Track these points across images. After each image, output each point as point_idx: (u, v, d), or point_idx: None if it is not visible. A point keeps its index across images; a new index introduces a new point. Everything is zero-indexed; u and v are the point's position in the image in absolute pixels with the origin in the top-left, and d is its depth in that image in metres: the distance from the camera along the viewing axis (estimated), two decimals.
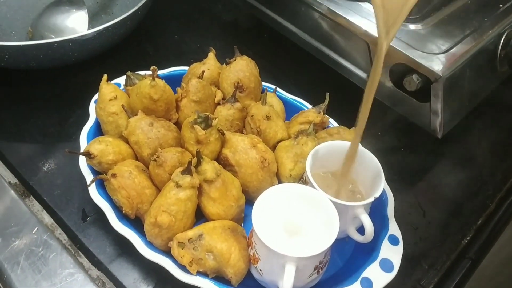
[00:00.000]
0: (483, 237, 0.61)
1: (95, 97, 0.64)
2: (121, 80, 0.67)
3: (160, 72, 0.68)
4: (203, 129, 0.54)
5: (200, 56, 0.70)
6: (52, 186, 0.61)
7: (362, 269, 0.51)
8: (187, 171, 0.50)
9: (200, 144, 0.55)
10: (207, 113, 0.55)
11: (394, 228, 0.55)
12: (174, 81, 0.66)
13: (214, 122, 0.55)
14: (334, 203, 0.50)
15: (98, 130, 0.62)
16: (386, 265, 0.52)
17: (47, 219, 0.58)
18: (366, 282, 0.50)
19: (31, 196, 0.60)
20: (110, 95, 0.59)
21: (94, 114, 0.62)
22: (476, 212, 0.63)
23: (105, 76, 0.60)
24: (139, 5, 0.71)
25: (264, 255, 0.48)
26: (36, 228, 0.56)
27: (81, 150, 0.57)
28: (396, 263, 0.52)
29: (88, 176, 0.56)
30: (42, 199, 0.59)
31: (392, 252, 0.53)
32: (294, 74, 0.80)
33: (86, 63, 0.72)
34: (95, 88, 0.62)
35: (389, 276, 0.51)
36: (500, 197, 0.65)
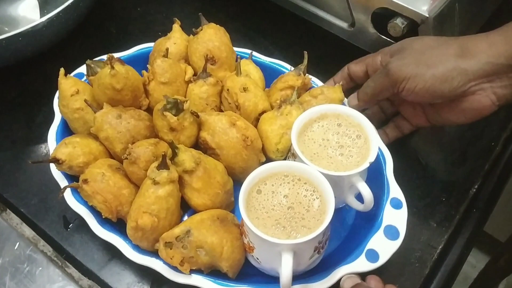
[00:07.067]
0: (492, 183, 0.57)
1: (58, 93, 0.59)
2: (84, 69, 0.61)
3: (123, 53, 0.62)
4: (175, 115, 0.50)
5: (168, 27, 0.64)
6: (28, 195, 0.57)
7: (366, 241, 0.48)
8: (162, 165, 0.46)
9: (175, 131, 0.51)
10: (176, 97, 0.50)
11: (395, 191, 0.51)
12: (141, 62, 0.61)
13: (185, 106, 0.50)
14: (326, 175, 0.46)
15: (66, 129, 0.57)
16: (391, 232, 0.48)
17: (28, 232, 0.55)
18: (371, 255, 0.47)
19: (8, 210, 0.56)
20: (71, 90, 0.54)
21: (59, 112, 0.57)
22: (482, 157, 0.59)
23: (62, 70, 0.54)
24: None
25: (258, 244, 0.45)
26: (17, 243, 0.53)
27: (51, 153, 0.53)
28: (402, 228, 0.49)
29: (62, 182, 0.52)
30: (19, 211, 0.56)
31: (396, 217, 0.49)
32: (271, 34, 0.73)
33: (44, 55, 0.66)
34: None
35: (395, 244, 0.48)
36: (506, 137, 0.61)
